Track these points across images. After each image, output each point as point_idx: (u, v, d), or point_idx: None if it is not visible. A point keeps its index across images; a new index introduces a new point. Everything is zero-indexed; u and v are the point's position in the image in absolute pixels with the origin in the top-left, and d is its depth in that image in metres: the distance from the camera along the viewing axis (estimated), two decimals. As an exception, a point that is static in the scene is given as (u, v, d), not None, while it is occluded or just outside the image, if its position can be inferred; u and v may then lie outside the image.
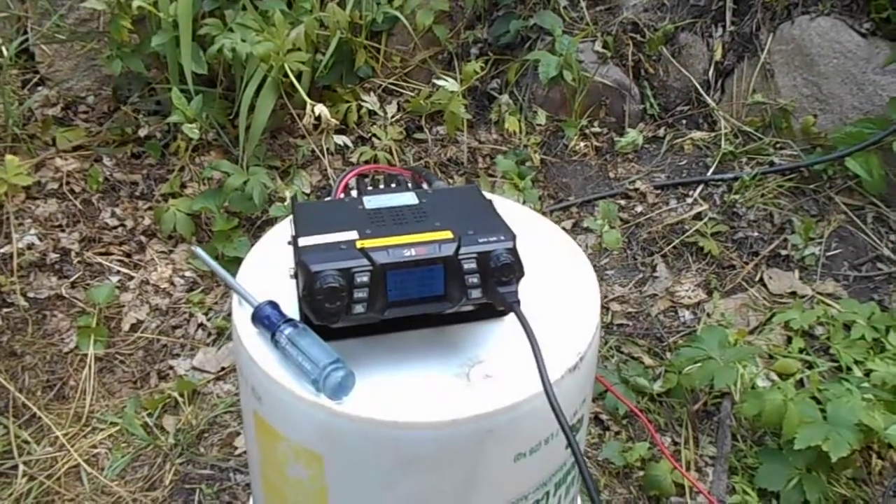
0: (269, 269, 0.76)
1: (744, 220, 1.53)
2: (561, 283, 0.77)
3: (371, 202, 0.74)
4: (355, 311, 0.63)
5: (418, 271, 0.64)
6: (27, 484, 1.06)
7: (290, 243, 0.72)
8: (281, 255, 0.75)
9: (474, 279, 0.65)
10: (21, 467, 1.08)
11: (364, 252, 0.63)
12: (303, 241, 0.66)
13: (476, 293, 0.65)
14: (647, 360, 1.30)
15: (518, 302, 0.65)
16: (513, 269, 0.65)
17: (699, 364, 1.15)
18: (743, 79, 1.72)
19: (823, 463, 1.04)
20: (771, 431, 1.11)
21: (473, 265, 0.64)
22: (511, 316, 0.67)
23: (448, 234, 0.66)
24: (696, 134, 1.70)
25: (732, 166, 1.63)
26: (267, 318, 0.68)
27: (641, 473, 1.11)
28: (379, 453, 0.64)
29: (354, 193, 0.82)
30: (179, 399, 1.19)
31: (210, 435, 1.15)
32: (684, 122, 1.75)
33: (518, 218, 0.77)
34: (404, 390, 0.65)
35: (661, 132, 1.72)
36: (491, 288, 0.65)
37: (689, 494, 1.07)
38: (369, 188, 0.82)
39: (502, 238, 0.66)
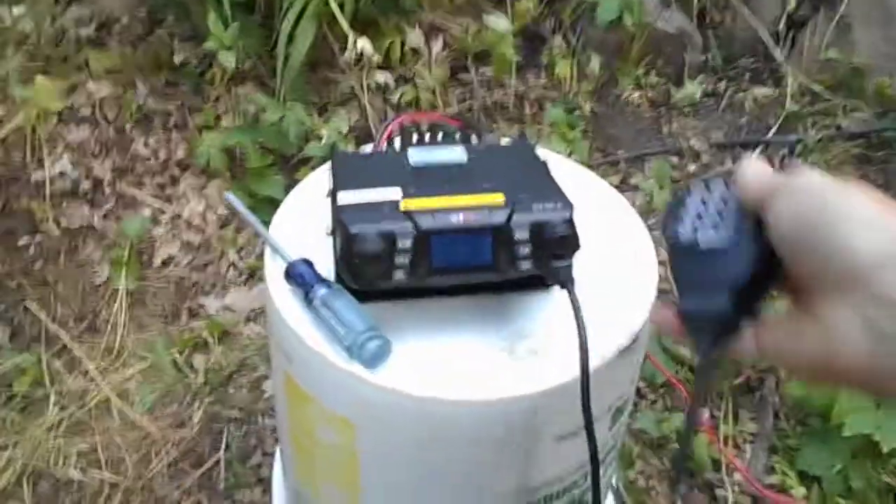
0: (304, 221, 0.72)
1: (804, 186, 1.44)
2: (615, 252, 0.72)
3: (416, 156, 0.68)
4: (395, 278, 0.59)
5: (465, 238, 0.59)
6: (59, 414, 1.07)
7: (328, 196, 0.67)
8: (317, 206, 0.70)
9: (525, 250, 0.59)
10: (53, 397, 1.08)
11: (408, 215, 0.58)
12: (342, 198, 0.61)
13: (526, 265, 0.60)
14: (690, 329, 1.24)
15: (572, 280, 0.60)
16: (569, 242, 0.59)
17: (746, 338, 1.09)
18: (816, 33, 1.59)
19: (871, 450, 0.99)
20: (818, 413, 1.06)
21: (525, 235, 0.59)
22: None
23: (499, 199, 0.61)
24: (760, 90, 1.59)
25: (796, 127, 1.53)
26: (300, 277, 0.64)
27: (676, 445, 1.08)
28: (413, 427, 0.61)
29: (397, 142, 0.77)
30: (210, 339, 1.17)
31: (239, 377, 1.14)
32: (748, 76, 1.63)
33: (569, 176, 0.71)
34: (443, 362, 0.61)
35: (722, 86, 1.62)
36: (543, 261, 0.60)
37: (726, 471, 1.04)
38: (414, 138, 0.76)
39: (559, 207, 0.60)
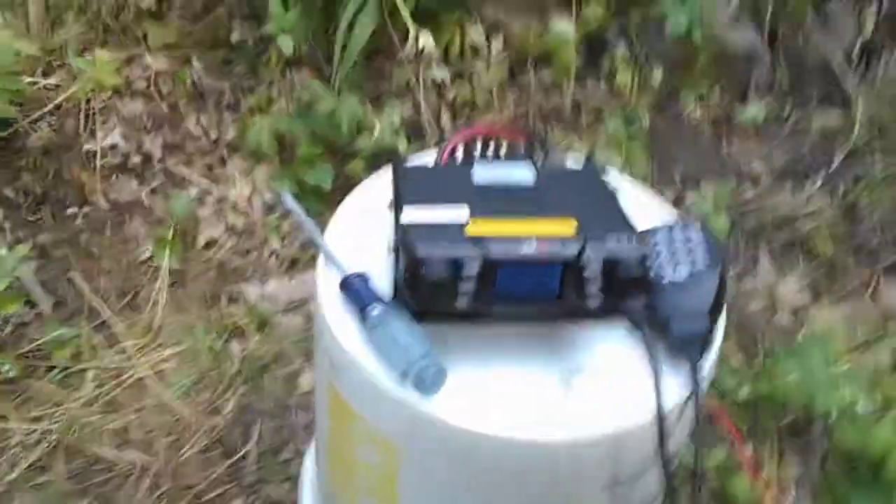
0: (360, 229, 0.70)
1: (866, 223, 1.38)
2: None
3: (481, 175, 0.66)
4: (458, 303, 0.57)
5: (534, 269, 0.57)
6: (95, 390, 1.07)
7: (389, 208, 0.65)
8: (374, 216, 0.68)
9: (596, 287, 0.57)
10: (91, 372, 1.09)
11: (476, 241, 0.56)
12: (407, 216, 0.59)
13: (595, 302, 0.57)
14: (735, 361, 1.20)
15: (645, 320, 0.57)
16: (643, 280, 0.57)
17: (798, 377, 1.05)
18: (891, 63, 1.52)
19: (923, 509, 0.95)
20: (869, 463, 1.02)
21: (597, 271, 0.57)
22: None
23: (570, 229, 0.58)
24: (827, 118, 1.53)
25: (863, 159, 1.46)
26: (356, 293, 0.62)
27: (715, 483, 1.04)
28: (459, 460, 0.59)
29: (459, 154, 0.74)
30: (247, 326, 1.17)
31: (275, 368, 1.13)
32: (815, 101, 1.57)
33: (637, 204, 0.68)
34: (497, 395, 0.58)
35: (787, 110, 1.56)
36: (613, 297, 0.57)
37: (764, 514, 1.00)
38: (477, 152, 0.73)
39: (634, 242, 0.58)
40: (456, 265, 0.55)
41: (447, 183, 0.65)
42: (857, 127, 1.49)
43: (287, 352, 1.15)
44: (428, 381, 0.57)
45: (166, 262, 1.23)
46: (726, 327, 1.26)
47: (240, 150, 1.48)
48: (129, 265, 1.26)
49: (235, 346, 1.15)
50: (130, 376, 1.10)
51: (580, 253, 0.56)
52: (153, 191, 1.38)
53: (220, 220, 1.36)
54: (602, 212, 0.62)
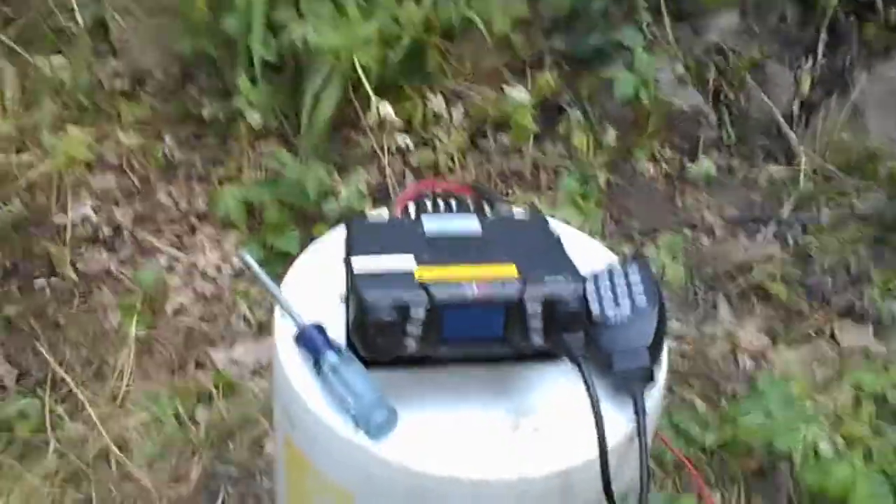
0: (316, 282, 0.72)
1: (817, 265, 1.44)
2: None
3: (431, 224, 0.70)
4: (407, 347, 0.59)
5: (478, 310, 0.59)
6: (57, 462, 1.05)
7: (343, 261, 0.68)
8: (330, 269, 0.71)
9: (537, 325, 0.60)
10: (52, 444, 1.07)
11: (423, 286, 0.59)
12: (357, 265, 0.62)
13: (538, 339, 0.60)
14: (700, 406, 1.22)
15: (584, 356, 0.59)
16: (580, 316, 0.60)
17: (759, 420, 1.07)
18: (830, 116, 1.62)
19: (888, 545, 0.95)
20: (834, 501, 1.03)
21: (538, 310, 0.60)
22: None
23: (512, 272, 0.61)
24: (774, 168, 1.61)
25: (810, 207, 1.53)
26: (311, 342, 0.64)
27: (686, 529, 1.04)
28: (413, 502, 0.59)
29: (412, 208, 0.78)
30: (214, 391, 1.17)
31: (241, 433, 1.13)
32: (761, 154, 1.65)
33: (582, 250, 0.72)
34: (447, 436, 0.60)
35: (736, 163, 1.64)
36: (554, 335, 0.60)
37: (735, 560, 1.00)
38: (427, 206, 0.77)
39: (571, 281, 0.61)
40: (403, 310, 0.58)
41: (398, 235, 0.68)
42: (801, 178, 1.56)
43: (253, 416, 1.15)
44: (379, 426, 0.58)
45: (133, 330, 1.24)
46: (689, 374, 1.29)
47: (209, 219, 1.51)
48: (96, 335, 1.26)
49: (202, 412, 1.15)
50: (94, 447, 1.09)
51: (521, 294, 0.59)
52: (122, 261, 1.40)
53: (188, 287, 1.38)
54: (544, 256, 0.66)
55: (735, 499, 1.09)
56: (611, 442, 0.60)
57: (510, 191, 1.55)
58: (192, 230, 1.50)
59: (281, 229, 1.43)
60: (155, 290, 1.33)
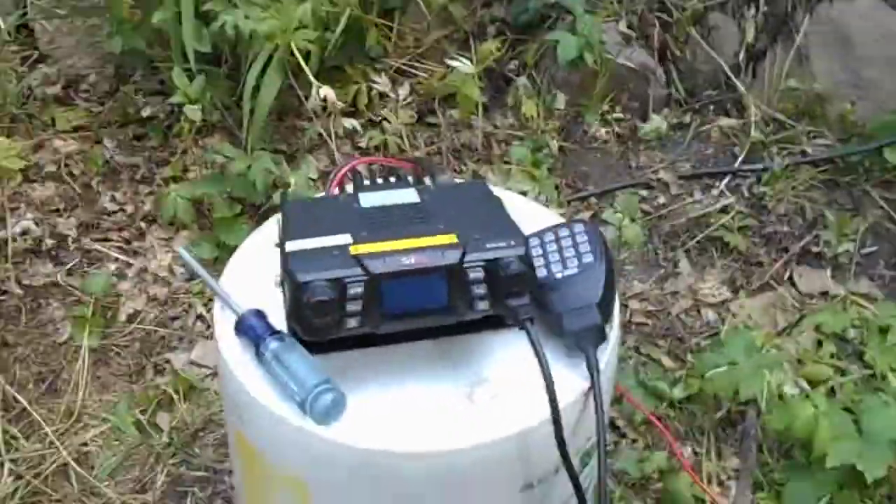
0: (258, 271, 0.70)
1: (773, 214, 1.44)
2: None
3: (367, 200, 0.67)
4: (348, 326, 0.57)
5: (418, 281, 0.57)
6: (13, 483, 1.02)
7: (277, 246, 0.65)
8: (269, 256, 0.68)
9: (481, 290, 0.58)
10: (7, 465, 1.03)
11: (358, 259, 0.57)
12: (290, 246, 0.59)
13: (482, 305, 0.58)
14: (667, 363, 1.22)
15: (531, 319, 0.58)
16: (524, 279, 0.58)
17: (724, 369, 1.08)
18: (776, 63, 1.62)
19: (858, 481, 0.96)
20: (800, 444, 1.04)
21: (480, 274, 0.58)
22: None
23: (452, 239, 0.59)
24: (725, 121, 1.61)
25: (762, 156, 1.54)
26: (251, 330, 0.62)
27: (659, 485, 1.04)
28: (370, 484, 0.58)
29: (350, 188, 0.76)
30: (175, 395, 1.14)
31: (205, 434, 1.10)
32: (712, 107, 1.65)
33: (528, 216, 0.70)
34: (400, 413, 0.58)
35: (687, 118, 1.63)
36: (499, 300, 0.58)
37: (710, 510, 1.01)
38: (366, 183, 0.75)
39: (512, 244, 0.59)
40: (339, 286, 0.56)
41: (333, 212, 0.66)
42: (752, 128, 1.57)
43: (217, 415, 1.12)
44: (327, 408, 0.56)
45: (85, 341, 1.20)
46: (654, 332, 1.28)
47: (158, 221, 1.47)
48: (47, 350, 1.22)
49: (164, 417, 1.12)
50: (52, 464, 1.05)
51: (461, 258, 0.57)
52: (69, 271, 1.35)
53: (141, 292, 1.33)
54: (485, 221, 0.64)
55: (705, 450, 1.09)
56: (566, 401, 0.58)
57: (463, 165, 1.53)
58: (141, 234, 1.45)
59: (232, 225, 1.40)
60: (106, 298, 1.29)
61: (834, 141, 1.53)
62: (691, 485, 1.01)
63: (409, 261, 0.57)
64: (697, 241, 1.41)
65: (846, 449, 0.94)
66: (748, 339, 1.11)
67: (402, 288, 0.57)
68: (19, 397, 1.12)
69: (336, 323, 0.56)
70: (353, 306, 0.56)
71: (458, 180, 0.75)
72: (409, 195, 0.68)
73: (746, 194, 1.48)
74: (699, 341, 1.26)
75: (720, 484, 1.05)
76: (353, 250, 0.58)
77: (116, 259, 1.39)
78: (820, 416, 0.97)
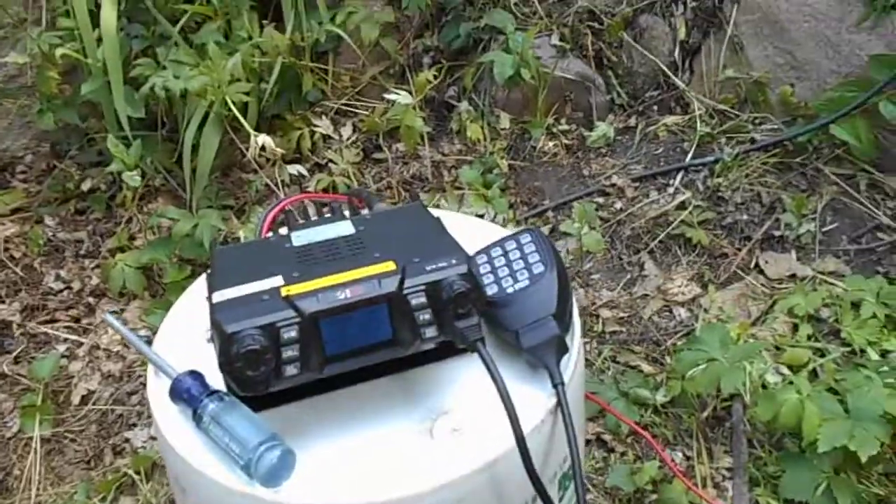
0: (191, 331, 0.65)
1: (731, 204, 1.43)
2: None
3: (300, 238, 0.64)
4: (287, 374, 0.52)
5: (357, 315, 0.53)
6: None
7: (207, 299, 0.61)
8: (203, 313, 0.64)
9: (426, 316, 0.54)
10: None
11: (290, 301, 0.53)
12: (217, 297, 0.55)
13: (430, 332, 0.55)
14: (647, 368, 1.19)
15: (481, 339, 0.54)
16: (470, 297, 0.54)
17: (702, 367, 1.04)
18: (711, 55, 1.63)
19: (852, 462, 0.93)
20: (790, 433, 1.00)
21: (423, 299, 0.54)
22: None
23: (389, 266, 0.56)
24: (670, 119, 1.61)
25: (712, 148, 1.54)
26: (187, 392, 0.57)
27: (655, 497, 1.00)
28: (332, 543, 0.53)
29: (284, 231, 0.72)
30: (136, 476, 1.07)
31: (174, 513, 1.03)
32: (655, 108, 1.65)
33: (475, 234, 0.67)
34: (355, 462, 0.54)
35: (633, 121, 1.63)
36: (447, 323, 0.55)
37: (711, 515, 0.96)
38: (300, 222, 0.71)
39: (454, 262, 0.56)
40: (272, 332, 0.52)
41: (264, 255, 0.62)
42: (697, 121, 1.57)
43: (186, 490, 1.05)
44: (273, 469, 0.52)
45: (36, 431, 1.13)
46: (630, 339, 1.25)
47: (107, 294, 1.41)
48: (-3, 446, 1.15)
49: (126, 502, 1.05)
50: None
51: (401, 284, 0.54)
52: (16, 359, 1.28)
53: (94, 370, 1.27)
54: (424, 244, 0.60)
55: (696, 453, 1.05)
56: (532, 423, 0.55)
57: (415, 196, 1.50)
58: (90, 310, 1.39)
59: (184, 287, 1.34)
60: (56, 382, 1.23)
61: (779, 125, 1.54)
62: (687, 491, 0.97)
63: (345, 295, 0.53)
64: (660, 241, 1.39)
65: (836, 431, 0.91)
66: (723, 333, 1.08)
67: (341, 325, 0.53)
68: (-31, 502, 1.05)
69: (274, 372, 0.52)
70: (289, 352, 0.52)
71: (394, 206, 0.72)
72: (343, 227, 0.65)
73: (701, 188, 1.48)
74: (675, 342, 1.23)
75: (716, 486, 1.01)
76: (284, 292, 0.54)
77: (65, 339, 1.33)
78: (805, 402, 0.94)
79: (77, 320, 1.37)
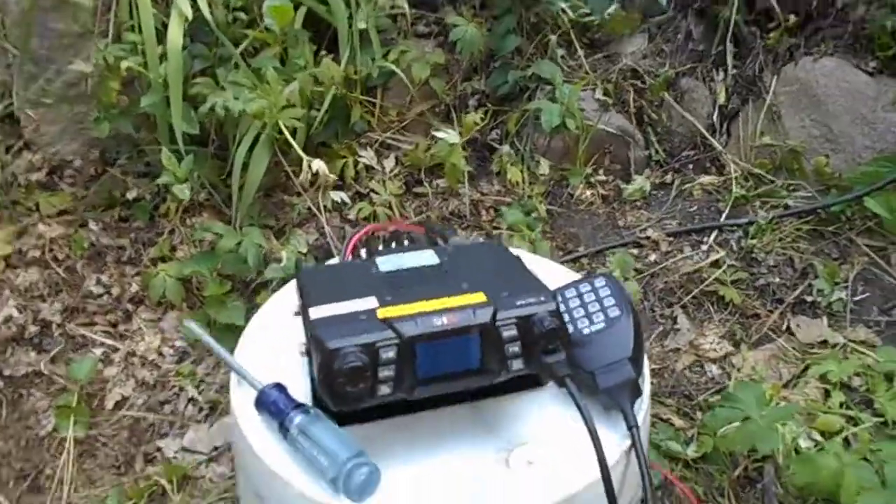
0: (271, 344, 0.67)
1: (763, 266, 1.46)
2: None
3: (385, 264, 0.66)
4: (381, 393, 0.54)
5: (451, 342, 0.56)
6: None
7: (297, 314, 0.63)
8: (284, 327, 0.66)
9: (515, 348, 0.56)
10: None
11: (388, 323, 0.55)
12: (314, 313, 0.57)
13: (517, 364, 0.57)
14: (677, 422, 1.20)
15: (569, 375, 0.56)
16: (559, 334, 0.57)
17: (736, 425, 1.05)
18: (749, 121, 1.68)
19: (886, 533, 0.94)
20: (825, 499, 1.01)
21: (514, 332, 0.56)
22: (551, 383, 0.59)
23: (481, 298, 0.58)
24: (705, 178, 1.65)
25: (746, 211, 1.57)
26: (273, 404, 0.59)
27: (685, 551, 1.00)
28: (411, 562, 0.54)
29: (363, 253, 0.75)
30: (168, 486, 1.07)
31: (203, 526, 1.04)
32: (691, 166, 1.70)
33: (543, 270, 0.70)
34: (435, 485, 0.55)
35: (669, 178, 1.67)
36: (534, 357, 0.57)
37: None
38: (380, 248, 0.74)
39: (542, 299, 0.58)
40: (372, 351, 0.54)
41: (353, 278, 0.64)
42: (733, 184, 1.61)
43: (215, 504, 1.06)
44: (361, 485, 0.53)
45: (70, 432, 1.14)
46: (661, 391, 1.27)
47: (145, 302, 1.43)
48: (30, 443, 1.15)
49: (158, 510, 1.05)
50: (38, 568, 0.97)
51: (494, 316, 0.56)
52: (53, 359, 1.29)
53: (128, 377, 1.28)
54: (510, 279, 0.63)
55: (729, 509, 1.06)
56: (609, 461, 0.56)
57: (451, 229, 1.53)
58: (128, 316, 1.41)
59: (223, 302, 1.36)
60: (92, 385, 1.24)
61: (813, 193, 1.57)
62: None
63: (441, 322, 0.55)
64: (693, 297, 1.42)
65: (873, 500, 0.92)
66: (759, 392, 1.10)
67: (434, 350, 0.55)
68: (0, 497, 1.05)
69: (369, 391, 0.54)
70: (385, 371, 0.54)
71: (471, 241, 0.74)
72: (427, 257, 0.67)
73: (735, 248, 1.51)
74: (706, 398, 1.24)
75: (747, 544, 1.01)
76: (381, 314, 0.56)
77: (102, 343, 1.34)
78: (845, 469, 0.95)
79: (114, 325, 1.38)
